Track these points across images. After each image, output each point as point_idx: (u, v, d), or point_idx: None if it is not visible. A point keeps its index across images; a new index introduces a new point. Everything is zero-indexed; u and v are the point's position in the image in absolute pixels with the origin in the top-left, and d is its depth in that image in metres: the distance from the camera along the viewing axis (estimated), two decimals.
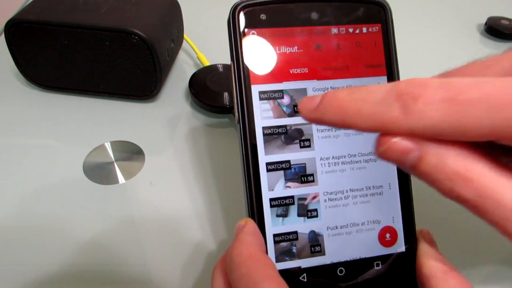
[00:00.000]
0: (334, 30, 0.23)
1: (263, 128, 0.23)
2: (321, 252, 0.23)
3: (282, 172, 0.23)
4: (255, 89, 0.23)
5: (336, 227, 0.23)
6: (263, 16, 0.23)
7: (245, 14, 0.22)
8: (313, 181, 0.23)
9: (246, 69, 0.22)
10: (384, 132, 0.17)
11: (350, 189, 0.23)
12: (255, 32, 0.23)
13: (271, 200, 0.22)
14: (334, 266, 0.22)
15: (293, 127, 0.23)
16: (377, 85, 0.17)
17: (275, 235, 0.22)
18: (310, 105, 0.18)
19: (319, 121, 0.18)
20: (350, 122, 0.17)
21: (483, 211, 0.15)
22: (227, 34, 0.23)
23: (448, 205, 0.33)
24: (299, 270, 0.22)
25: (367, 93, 0.17)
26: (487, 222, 0.15)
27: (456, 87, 0.15)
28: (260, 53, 0.23)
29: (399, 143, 0.16)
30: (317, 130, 0.23)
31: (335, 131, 0.23)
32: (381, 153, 0.17)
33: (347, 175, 0.23)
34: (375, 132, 0.17)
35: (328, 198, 0.23)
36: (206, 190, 0.34)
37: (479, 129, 0.14)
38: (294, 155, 0.23)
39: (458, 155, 0.16)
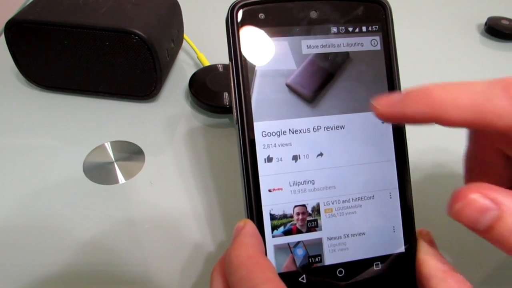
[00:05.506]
0: (334, 29, 0.23)
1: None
2: (321, 254, 0.22)
3: None
4: None
5: (337, 237, 0.23)
6: (261, 16, 0.23)
7: (243, 13, 0.22)
8: (313, 190, 0.23)
9: (244, 68, 0.22)
10: (483, 125, 0.16)
11: (351, 199, 0.23)
12: (254, 32, 0.23)
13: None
14: (333, 267, 0.22)
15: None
16: (475, 81, 0.16)
17: (274, 237, 0.22)
18: (388, 100, 0.18)
19: (399, 117, 0.18)
20: (443, 113, 0.16)
21: None
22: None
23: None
24: (298, 272, 0.22)
25: (464, 85, 0.16)
26: None
27: None
28: (259, 53, 0.23)
29: (478, 200, 0.16)
30: (314, 128, 0.23)
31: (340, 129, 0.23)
32: (457, 212, 0.17)
33: (349, 184, 0.23)
34: (470, 127, 0.16)
35: (328, 204, 0.23)
36: (206, 190, 0.34)
37: None
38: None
39: None
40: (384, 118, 0.18)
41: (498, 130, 0.16)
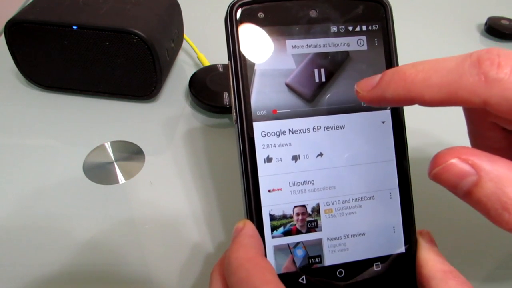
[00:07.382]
0: (334, 28, 0.23)
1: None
2: (321, 254, 0.22)
3: None
4: None
5: (336, 237, 0.23)
6: (260, 14, 0.22)
7: (242, 12, 0.22)
8: (313, 190, 0.23)
9: (243, 68, 0.22)
10: (459, 103, 0.15)
11: (351, 199, 0.23)
12: (253, 31, 0.22)
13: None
14: (333, 267, 0.22)
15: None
16: (447, 57, 0.16)
17: (274, 237, 0.22)
18: (368, 83, 0.18)
19: (380, 100, 0.17)
20: (417, 94, 0.16)
21: None
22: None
23: (448, 206, 0.33)
24: (298, 272, 0.22)
25: (436, 63, 0.16)
26: None
27: None
28: (258, 52, 0.23)
29: (457, 165, 0.16)
30: (315, 128, 0.23)
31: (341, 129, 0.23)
32: (436, 175, 0.17)
33: (348, 185, 0.23)
34: (447, 105, 0.16)
35: (328, 205, 0.23)
36: (206, 190, 0.34)
37: None
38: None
39: None
40: (366, 102, 0.18)
41: (473, 106, 0.16)
